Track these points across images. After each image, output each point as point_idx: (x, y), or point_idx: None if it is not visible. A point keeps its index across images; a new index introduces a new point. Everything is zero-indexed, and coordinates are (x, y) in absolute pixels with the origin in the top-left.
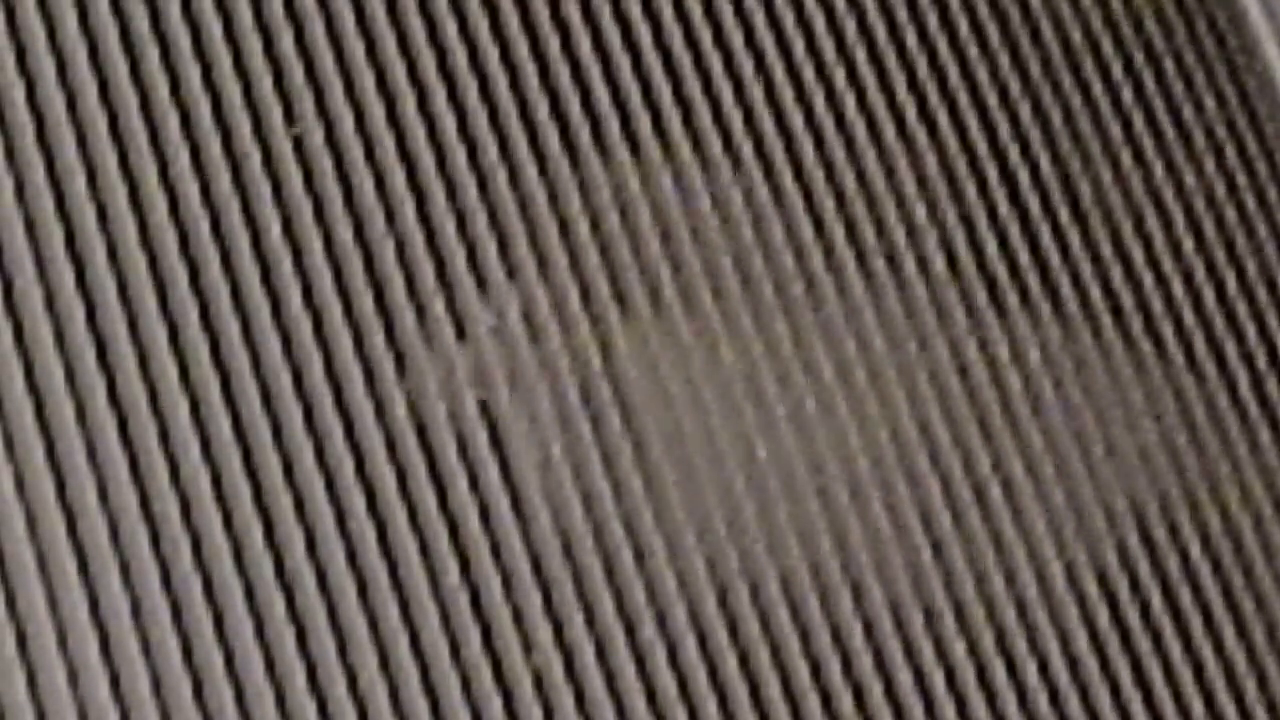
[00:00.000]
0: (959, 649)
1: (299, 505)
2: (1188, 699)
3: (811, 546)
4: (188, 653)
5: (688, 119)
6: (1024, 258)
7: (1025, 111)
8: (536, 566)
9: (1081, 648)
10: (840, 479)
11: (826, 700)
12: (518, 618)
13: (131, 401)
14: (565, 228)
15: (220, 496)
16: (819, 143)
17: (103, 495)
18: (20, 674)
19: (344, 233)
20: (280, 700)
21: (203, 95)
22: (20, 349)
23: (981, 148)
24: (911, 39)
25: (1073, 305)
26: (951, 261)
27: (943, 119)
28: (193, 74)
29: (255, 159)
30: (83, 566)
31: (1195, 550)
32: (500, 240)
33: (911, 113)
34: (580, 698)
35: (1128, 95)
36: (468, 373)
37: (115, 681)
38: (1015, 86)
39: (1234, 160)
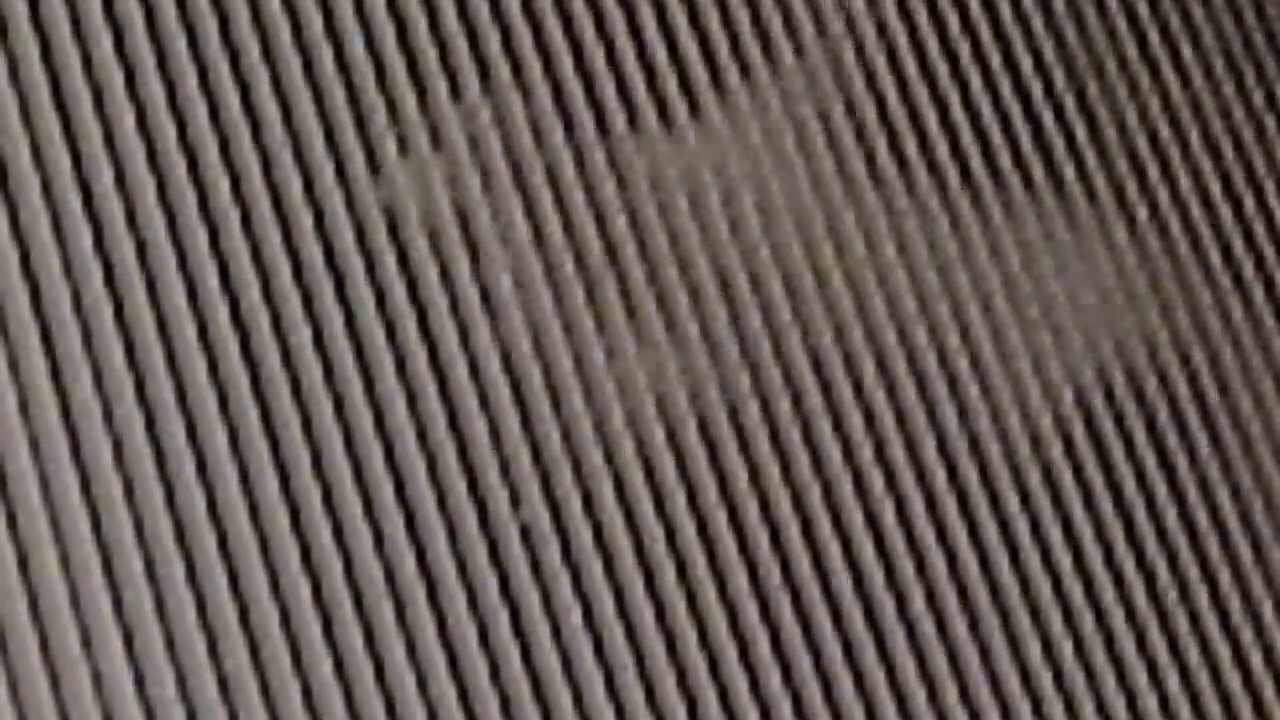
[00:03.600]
0: (940, 479)
1: (265, 289)
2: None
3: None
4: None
5: None
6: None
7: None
8: (507, 361)
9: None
10: (828, 319)
11: (814, 551)
12: (484, 403)
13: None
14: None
15: (194, 299)
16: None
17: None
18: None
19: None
20: (253, 512)
21: None
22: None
23: (984, 30)
24: None
25: (1070, 176)
26: (954, 146)
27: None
28: None
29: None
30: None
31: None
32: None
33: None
34: (551, 497)
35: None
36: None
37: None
38: None
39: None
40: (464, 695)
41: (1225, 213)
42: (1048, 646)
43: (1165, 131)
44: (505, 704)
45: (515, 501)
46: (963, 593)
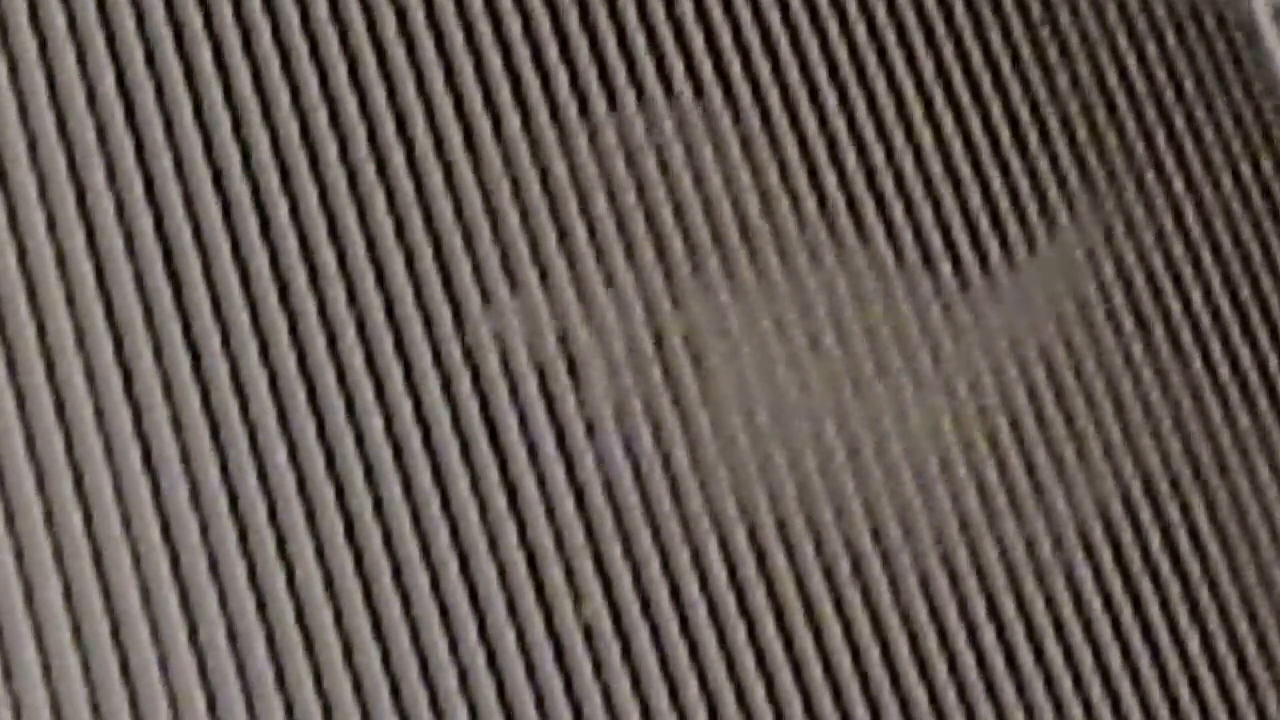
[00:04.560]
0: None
1: (359, 440)
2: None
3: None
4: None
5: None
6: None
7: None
8: (580, 499)
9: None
10: (866, 434)
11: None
12: (560, 543)
13: (219, 398)
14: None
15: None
16: (821, 121)
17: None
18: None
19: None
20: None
21: (272, 52)
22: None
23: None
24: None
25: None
26: (981, 254)
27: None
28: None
29: (323, 117)
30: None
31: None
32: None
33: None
34: (627, 650)
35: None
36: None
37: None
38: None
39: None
40: None
41: (1234, 327)
42: None
43: (1179, 250)
44: None
45: (588, 634)
46: None
